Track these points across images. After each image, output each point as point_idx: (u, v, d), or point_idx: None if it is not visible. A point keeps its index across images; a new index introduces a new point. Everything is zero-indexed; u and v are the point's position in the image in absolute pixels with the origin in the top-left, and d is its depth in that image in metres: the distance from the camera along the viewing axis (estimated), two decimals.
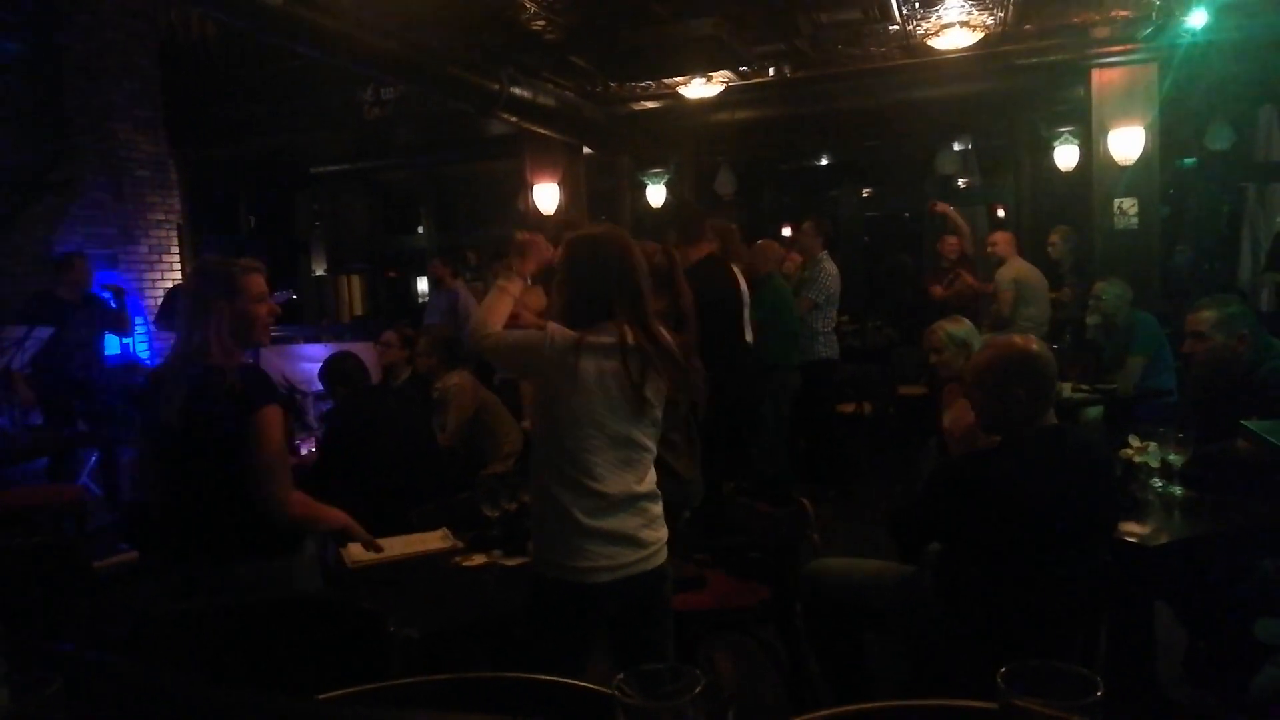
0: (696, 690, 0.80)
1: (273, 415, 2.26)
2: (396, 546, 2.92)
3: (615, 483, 2.12)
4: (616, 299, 2.14)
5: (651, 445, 2.21)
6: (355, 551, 2.85)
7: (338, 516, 2.52)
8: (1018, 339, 2.51)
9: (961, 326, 3.60)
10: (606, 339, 2.12)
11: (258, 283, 2.38)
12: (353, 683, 1.34)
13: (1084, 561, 2.37)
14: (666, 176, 10.14)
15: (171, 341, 2.44)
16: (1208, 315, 3.30)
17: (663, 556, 2.22)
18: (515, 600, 2.32)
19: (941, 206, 7.53)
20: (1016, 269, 6.59)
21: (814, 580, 2.92)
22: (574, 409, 2.09)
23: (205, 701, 1.20)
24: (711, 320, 4.46)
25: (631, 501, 2.14)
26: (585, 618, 2.17)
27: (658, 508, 2.23)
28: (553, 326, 2.14)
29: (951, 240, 7.32)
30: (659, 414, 2.20)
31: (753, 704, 3.20)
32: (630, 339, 2.11)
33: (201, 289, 2.32)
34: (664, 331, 2.22)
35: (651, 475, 2.22)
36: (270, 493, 2.24)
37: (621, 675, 0.82)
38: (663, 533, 2.23)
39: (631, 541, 2.14)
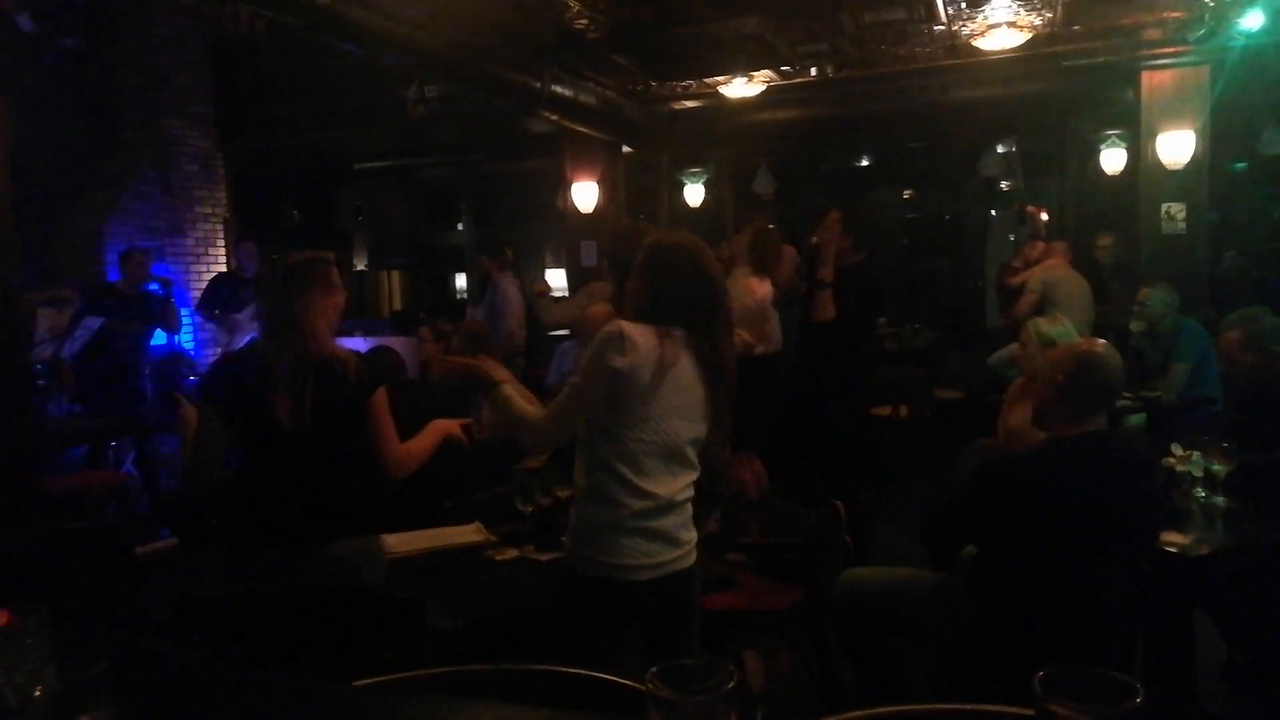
0: (729, 686, 0.80)
1: (384, 394, 2.48)
2: (431, 539, 2.96)
3: (662, 486, 2.16)
4: (694, 309, 2.19)
5: (695, 462, 2.25)
6: (390, 542, 2.89)
7: (434, 437, 2.66)
8: (1087, 341, 2.61)
9: (1057, 325, 3.49)
10: (684, 349, 2.17)
11: (337, 274, 2.56)
12: (388, 670, 1.36)
13: (1123, 569, 2.34)
14: (705, 176, 10.12)
15: (255, 332, 2.57)
16: (1234, 336, 3.30)
17: (694, 557, 2.27)
18: (548, 595, 2.34)
19: (1034, 209, 7.40)
20: (1048, 271, 6.50)
21: (846, 591, 2.91)
22: (645, 406, 2.11)
23: (245, 684, 1.22)
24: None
25: (674, 505, 2.19)
26: (622, 614, 2.20)
27: (690, 510, 2.28)
28: (626, 327, 2.12)
29: (1041, 245, 7.22)
30: (704, 431, 2.22)
31: (782, 704, 3.19)
32: (705, 350, 2.18)
33: (305, 286, 2.44)
34: (729, 347, 2.26)
35: (691, 485, 2.26)
36: (388, 458, 2.49)
37: (655, 670, 0.82)
38: (694, 534, 2.28)
39: (669, 540, 2.19)
